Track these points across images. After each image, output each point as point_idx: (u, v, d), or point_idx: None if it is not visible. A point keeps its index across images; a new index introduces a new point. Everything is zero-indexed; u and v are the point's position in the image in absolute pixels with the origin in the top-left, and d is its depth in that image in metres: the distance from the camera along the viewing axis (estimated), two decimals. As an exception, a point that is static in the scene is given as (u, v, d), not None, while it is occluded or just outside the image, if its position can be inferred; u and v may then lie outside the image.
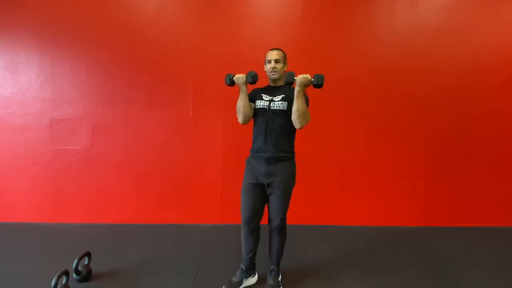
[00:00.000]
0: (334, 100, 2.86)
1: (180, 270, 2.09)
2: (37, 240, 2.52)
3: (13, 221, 2.86)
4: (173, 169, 2.88)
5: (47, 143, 2.85)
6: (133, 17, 2.81)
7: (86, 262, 2.00)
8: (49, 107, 2.84)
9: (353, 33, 2.85)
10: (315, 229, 2.81)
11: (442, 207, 2.94)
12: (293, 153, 1.89)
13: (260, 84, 1.90)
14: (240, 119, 1.85)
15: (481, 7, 2.85)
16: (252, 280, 1.97)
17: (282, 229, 1.88)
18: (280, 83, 1.89)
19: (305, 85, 1.71)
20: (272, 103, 1.81)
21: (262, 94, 1.87)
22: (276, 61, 1.83)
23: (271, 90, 1.88)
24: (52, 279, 1.69)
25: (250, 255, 1.93)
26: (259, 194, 1.86)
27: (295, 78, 1.72)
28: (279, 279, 1.93)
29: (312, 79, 1.72)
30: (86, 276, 1.94)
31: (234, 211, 2.86)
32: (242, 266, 1.95)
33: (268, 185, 1.82)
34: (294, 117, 1.73)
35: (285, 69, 1.89)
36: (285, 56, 1.89)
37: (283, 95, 1.82)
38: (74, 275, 1.90)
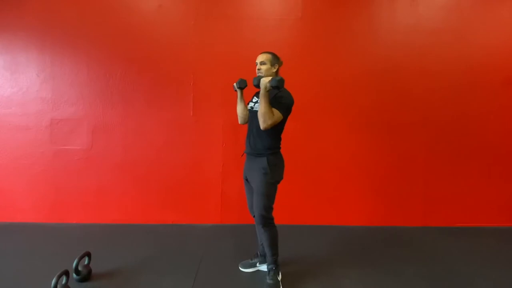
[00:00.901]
0: (333, 100, 2.86)
1: (180, 270, 2.09)
2: (37, 240, 2.52)
3: (13, 221, 2.86)
4: (173, 169, 2.88)
5: (47, 143, 2.85)
6: (133, 17, 2.81)
7: (86, 262, 2.00)
8: (49, 107, 2.84)
9: (353, 33, 2.85)
10: (315, 229, 2.81)
11: (442, 207, 2.94)
12: (271, 149, 1.89)
13: None
14: (238, 121, 2.13)
15: (480, 7, 2.85)
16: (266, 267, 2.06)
17: (264, 225, 1.89)
18: None
19: (265, 87, 1.77)
20: (256, 104, 1.94)
21: (254, 96, 2.03)
22: (262, 63, 1.92)
23: (259, 93, 1.93)
24: (52, 279, 1.69)
25: (262, 243, 2.05)
26: (250, 190, 2.01)
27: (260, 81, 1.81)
28: (279, 278, 1.93)
29: (270, 82, 1.77)
30: (86, 276, 1.94)
31: (234, 211, 2.86)
32: (257, 251, 2.15)
33: (249, 180, 1.98)
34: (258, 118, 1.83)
35: (274, 70, 1.93)
36: (273, 58, 1.93)
37: None
38: (74, 275, 1.90)
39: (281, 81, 1.76)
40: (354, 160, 2.90)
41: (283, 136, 1.94)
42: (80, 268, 1.92)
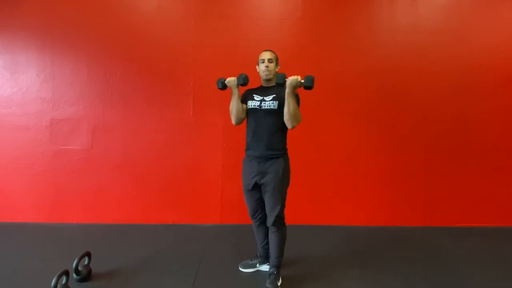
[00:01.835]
0: (333, 99, 2.86)
1: (180, 270, 2.09)
2: (37, 240, 2.52)
3: (13, 221, 2.86)
4: (173, 169, 2.88)
5: (47, 143, 2.85)
6: (133, 17, 2.81)
7: (86, 262, 2.00)
8: (49, 107, 2.84)
9: (353, 33, 2.85)
10: (315, 229, 2.81)
11: (442, 207, 2.93)
12: (284, 150, 1.91)
13: (252, 85, 1.94)
14: (233, 121, 1.93)
15: (480, 7, 2.85)
16: (267, 267, 2.06)
17: (278, 227, 1.88)
18: (272, 84, 1.92)
19: (295, 86, 1.75)
20: (263, 102, 1.85)
21: (254, 95, 1.91)
22: (269, 61, 1.88)
23: (263, 90, 1.92)
24: (52, 279, 1.69)
25: (263, 245, 2.06)
26: (256, 196, 1.93)
27: (285, 79, 1.76)
28: (278, 283, 1.90)
29: (302, 81, 1.75)
30: (86, 276, 1.93)
31: (234, 211, 2.86)
32: (258, 253, 2.13)
33: (262, 184, 1.86)
34: (286, 118, 1.79)
35: (277, 70, 1.94)
36: (277, 57, 1.94)
37: (274, 95, 1.85)
38: (74, 275, 1.90)
39: (313, 80, 1.72)
40: (354, 160, 2.90)
41: None
42: (80, 268, 1.92)
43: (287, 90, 1.76)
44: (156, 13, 2.81)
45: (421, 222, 2.93)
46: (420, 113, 2.89)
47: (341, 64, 2.85)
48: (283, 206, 1.88)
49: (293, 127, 1.81)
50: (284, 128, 1.86)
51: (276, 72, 1.92)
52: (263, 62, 1.88)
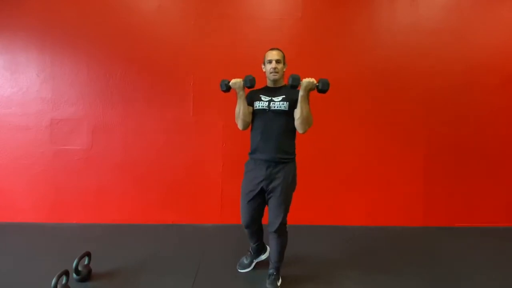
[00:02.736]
0: (333, 100, 2.84)
1: (180, 270, 2.09)
2: (37, 240, 2.52)
3: (13, 221, 2.86)
4: (173, 169, 2.88)
5: (47, 143, 2.85)
6: (133, 17, 2.81)
7: (86, 262, 1.99)
8: (49, 107, 2.84)
9: (353, 33, 2.85)
10: (315, 229, 2.81)
11: (442, 207, 2.93)
12: (294, 154, 1.85)
13: (257, 84, 1.88)
14: (239, 125, 1.83)
15: (480, 7, 2.85)
16: (263, 256, 2.09)
17: (281, 234, 1.85)
18: (280, 84, 1.86)
19: (310, 89, 1.70)
20: (272, 103, 1.78)
21: (261, 95, 1.82)
22: (277, 62, 1.80)
23: (270, 91, 1.85)
24: (52, 279, 1.69)
25: (256, 244, 2.05)
26: (259, 204, 1.86)
27: (300, 82, 1.70)
28: (278, 284, 1.89)
29: (318, 84, 1.70)
30: (86, 276, 1.93)
31: (234, 211, 2.85)
32: (251, 251, 2.09)
33: (269, 189, 1.79)
34: (298, 122, 1.73)
35: (284, 70, 1.87)
36: (284, 56, 1.87)
37: (284, 96, 1.79)
38: (74, 275, 1.90)
39: (329, 84, 1.68)
40: (353, 160, 2.90)
41: None
42: (80, 268, 1.92)
43: (301, 93, 1.69)
44: (156, 13, 2.81)
45: (421, 222, 2.93)
46: (420, 113, 2.89)
47: (341, 64, 2.85)
48: (287, 213, 1.84)
49: (304, 131, 1.75)
50: (293, 130, 1.80)
51: (283, 72, 1.85)
52: (271, 62, 1.79)
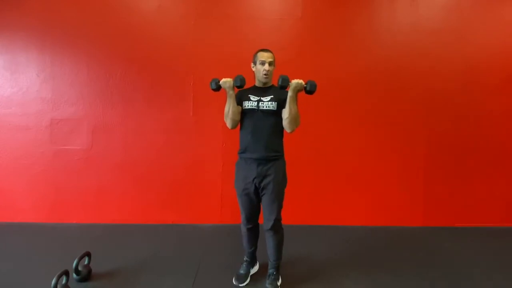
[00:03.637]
0: (333, 100, 2.86)
1: (180, 270, 2.09)
2: (37, 240, 2.52)
3: (13, 221, 2.86)
4: (173, 169, 2.88)
5: (47, 143, 2.85)
6: (133, 17, 2.81)
7: (86, 262, 2.00)
8: (49, 107, 2.84)
9: (353, 33, 2.85)
10: (315, 229, 2.81)
11: (442, 207, 2.93)
12: (282, 152, 1.90)
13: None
14: (228, 124, 1.85)
15: (480, 7, 2.85)
16: (254, 269, 2.07)
17: (276, 230, 1.87)
18: (268, 84, 1.89)
19: (299, 90, 1.76)
20: (260, 103, 1.82)
21: (250, 95, 1.85)
22: (270, 64, 1.83)
23: (259, 91, 1.87)
24: (52, 279, 1.69)
25: (252, 249, 2.02)
26: (253, 200, 1.88)
27: (289, 82, 1.75)
28: (278, 284, 1.90)
29: (306, 85, 1.76)
30: (86, 276, 1.93)
31: (233, 211, 2.86)
32: (247, 258, 2.04)
33: (261, 186, 1.82)
34: (286, 121, 1.77)
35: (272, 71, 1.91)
36: (274, 57, 1.89)
37: (272, 96, 1.83)
38: (74, 275, 1.90)
39: (316, 86, 1.75)
40: (353, 160, 2.90)
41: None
42: (80, 268, 1.92)
43: (290, 94, 1.74)
44: (156, 13, 2.81)
45: (421, 222, 2.93)
46: (420, 113, 2.89)
47: (341, 64, 2.85)
48: (281, 208, 1.87)
49: (292, 131, 1.80)
50: (281, 130, 1.85)
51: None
52: (263, 64, 1.81)
